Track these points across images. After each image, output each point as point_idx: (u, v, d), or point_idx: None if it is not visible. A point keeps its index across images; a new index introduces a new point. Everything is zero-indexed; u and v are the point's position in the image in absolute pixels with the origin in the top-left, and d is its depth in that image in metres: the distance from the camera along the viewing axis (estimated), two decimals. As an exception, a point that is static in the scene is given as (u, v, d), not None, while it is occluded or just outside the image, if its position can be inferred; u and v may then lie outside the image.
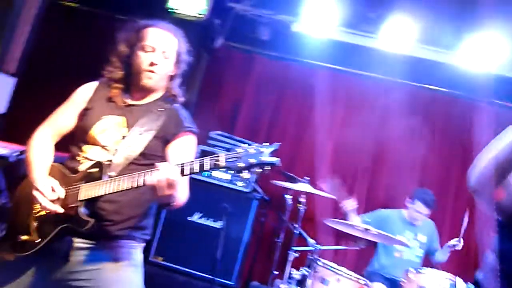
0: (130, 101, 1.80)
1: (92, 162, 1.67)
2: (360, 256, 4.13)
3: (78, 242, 1.67)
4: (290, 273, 3.32)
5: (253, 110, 4.58)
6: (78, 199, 1.60)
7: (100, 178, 1.60)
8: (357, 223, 3.35)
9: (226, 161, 1.40)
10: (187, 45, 1.87)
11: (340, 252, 4.02)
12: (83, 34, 4.59)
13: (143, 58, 1.75)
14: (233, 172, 1.40)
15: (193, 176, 1.56)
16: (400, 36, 4.03)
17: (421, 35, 4.03)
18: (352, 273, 3.10)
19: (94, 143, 1.73)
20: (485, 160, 1.44)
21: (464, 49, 4.03)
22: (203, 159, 1.42)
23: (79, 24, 4.69)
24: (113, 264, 1.68)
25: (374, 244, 3.76)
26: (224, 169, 1.41)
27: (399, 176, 4.22)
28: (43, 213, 1.66)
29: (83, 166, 1.69)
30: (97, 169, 1.63)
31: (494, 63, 3.99)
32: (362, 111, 4.36)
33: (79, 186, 1.62)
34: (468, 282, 2.95)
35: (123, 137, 1.72)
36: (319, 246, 3.37)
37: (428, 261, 3.78)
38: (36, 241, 1.63)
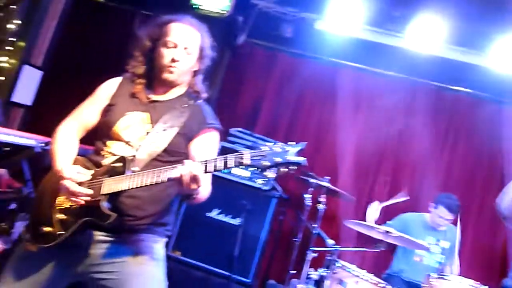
0: (153, 97, 1.80)
1: (116, 157, 1.68)
2: (378, 258, 4.07)
3: (99, 235, 1.69)
4: (307, 273, 3.30)
5: (274, 107, 4.55)
6: (101, 193, 1.61)
7: (123, 173, 1.61)
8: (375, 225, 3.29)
9: (251, 159, 1.38)
10: (211, 40, 1.85)
11: (358, 253, 3.96)
12: (109, 29, 4.64)
13: (165, 54, 1.75)
14: (257, 170, 1.38)
15: (213, 173, 1.55)
16: (427, 36, 3.93)
17: (449, 36, 3.93)
18: (371, 275, 3.06)
19: (118, 138, 1.74)
20: None
21: (494, 51, 3.91)
22: (227, 157, 1.41)
23: (104, 20, 4.75)
24: (135, 258, 1.69)
25: (394, 247, 3.70)
26: (248, 168, 1.39)
27: (422, 180, 4.13)
28: (66, 205, 1.68)
29: (107, 161, 1.70)
30: (120, 164, 1.64)
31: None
32: (385, 111, 4.28)
33: (102, 180, 1.63)
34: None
35: (147, 133, 1.72)
36: (338, 247, 3.34)
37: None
38: (59, 233, 1.65)
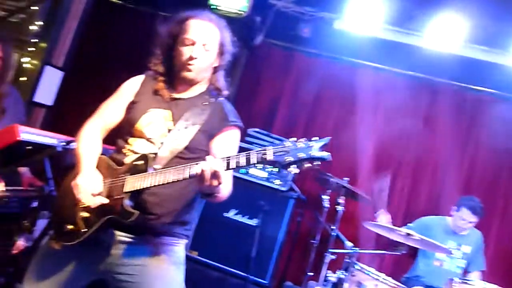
0: (175, 95, 1.80)
1: (138, 155, 1.68)
2: (397, 262, 4.00)
3: (120, 236, 1.69)
4: (325, 275, 3.26)
5: (292, 107, 4.53)
6: (124, 191, 1.61)
7: (145, 171, 1.61)
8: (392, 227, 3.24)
9: (274, 155, 1.36)
10: (231, 35, 1.83)
11: (376, 256, 3.90)
12: (129, 30, 4.68)
13: (183, 52, 1.74)
14: (280, 167, 1.35)
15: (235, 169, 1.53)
16: (447, 34, 3.86)
17: (470, 34, 3.85)
18: (390, 279, 3.01)
19: (140, 135, 1.74)
20: None
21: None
22: (249, 153, 1.38)
23: (124, 20, 4.80)
24: (155, 260, 1.68)
25: (415, 250, 3.63)
26: (271, 165, 1.36)
27: (443, 182, 4.04)
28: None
29: (129, 159, 1.71)
30: (142, 162, 1.64)
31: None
32: (404, 111, 4.21)
33: (124, 178, 1.64)
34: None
35: (169, 130, 1.72)
36: (357, 249, 3.29)
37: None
38: (82, 231, 1.66)
